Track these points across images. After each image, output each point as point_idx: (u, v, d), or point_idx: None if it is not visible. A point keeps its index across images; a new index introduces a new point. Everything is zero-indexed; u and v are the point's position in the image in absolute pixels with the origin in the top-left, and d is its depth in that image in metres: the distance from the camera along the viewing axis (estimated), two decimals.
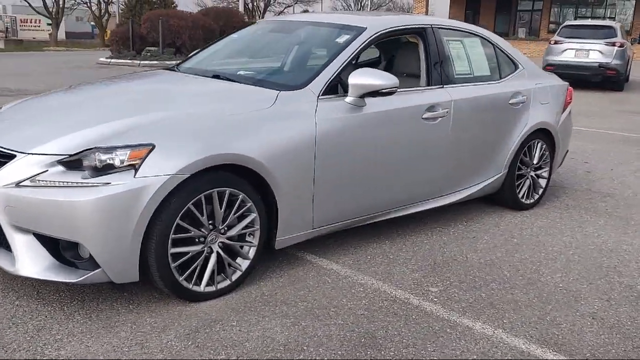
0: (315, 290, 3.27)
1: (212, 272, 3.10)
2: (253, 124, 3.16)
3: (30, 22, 42.41)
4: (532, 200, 5.01)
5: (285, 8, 54.50)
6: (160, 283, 2.94)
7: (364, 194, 3.70)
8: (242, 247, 3.21)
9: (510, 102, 4.59)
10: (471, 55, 4.47)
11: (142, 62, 19.31)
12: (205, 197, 2.96)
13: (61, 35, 41.53)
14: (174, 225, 2.87)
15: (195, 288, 3.05)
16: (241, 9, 33.91)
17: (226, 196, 3.03)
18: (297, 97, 3.38)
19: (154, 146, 2.83)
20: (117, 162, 2.77)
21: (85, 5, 38.86)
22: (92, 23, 42.44)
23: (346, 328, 2.88)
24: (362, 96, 3.52)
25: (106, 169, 2.78)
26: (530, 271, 3.68)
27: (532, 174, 4.98)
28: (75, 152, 2.81)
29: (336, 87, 3.54)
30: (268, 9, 53.64)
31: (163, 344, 2.67)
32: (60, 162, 2.80)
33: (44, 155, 2.83)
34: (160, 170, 2.78)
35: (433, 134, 3.99)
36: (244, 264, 3.22)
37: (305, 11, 46.72)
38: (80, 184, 2.74)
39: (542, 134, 4.93)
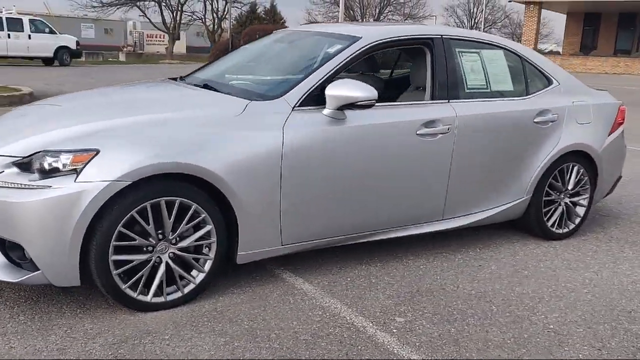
0: (271, 310, 3.11)
1: (161, 283, 3.03)
2: (214, 134, 3.08)
3: (156, 37, 45.50)
4: (565, 230, 4.52)
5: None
6: (103, 289, 2.92)
7: (344, 213, 3.49)
8: (198, 259, 3.12)
9: (535, 120, 4.18)
10: (490, 68, 4.13)
11: None
12: (153, 206, 2.91)
13: (182, 49, 44.21)
14: (116, 232, 2.83)
15: (142, 297, 3.00)
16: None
17: (176, 206, 2.96)
18: (267, 108, 3.26)
19: (98, 151, 2.82)
20: (60, 166, 2.80)
21: (200, 21, 40.94)
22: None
23: (278, 353, 2.70)
24: (340, 108, 3.33)
25: (52, 172, 2.80)
26: (523, 308, 3.29)
27: (567, 200, 4.50)
28: (27, 155, 2.87)
29: (318, 98, 3.38)
30: None
31: (84, 351, 2.63)
32: (14, 164, 2.87)
33: (2, 156, 2.91)
34: (100, 176, 2.76)
35: (431, 152, 3.71)
36: (198, 276, 3.14)
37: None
38: (26, 186, 2.78)
39: (580, 156, 4.44)
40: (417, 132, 3.63)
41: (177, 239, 3.03)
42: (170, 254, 3.04)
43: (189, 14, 40.44)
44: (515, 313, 3.22)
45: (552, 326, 3.11)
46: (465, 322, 3.09)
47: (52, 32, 25.83)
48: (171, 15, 37.67)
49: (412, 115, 3.66)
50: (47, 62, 25.76)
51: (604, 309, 3.34)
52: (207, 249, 3.13)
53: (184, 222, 3.01)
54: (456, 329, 3.02)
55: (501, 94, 4.13)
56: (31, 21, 25.41)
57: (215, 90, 3.64)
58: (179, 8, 37.43)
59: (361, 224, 3.59)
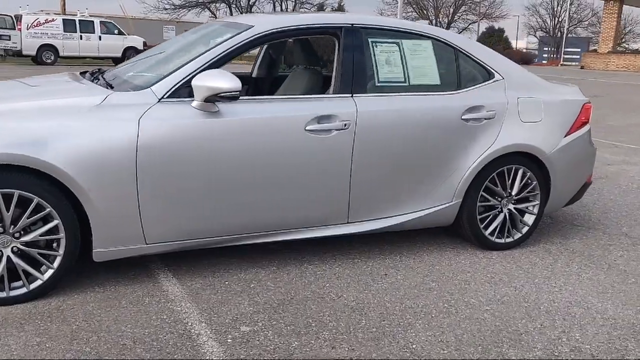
0: (115, 311, 2.96)
1: (2, 277, 2.95)
2: (62, 125, 2.96)
3: None
4: (509, 239, 4.09)
5: (469, 24, 52.95)
6: None
7: (220, 213, 3.28)
8: (48, 255, 3.02)
9: (464, 117, 3.79)
10: (412, 60, 3.78)
11: None
12: None
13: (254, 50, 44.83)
14: None
15: None
16: None
17: (14, 198, 2.86)
18: (128, 99, 3.11)
19: None
20: None
21: None
22: None
23: (83, 356, 2.54)
24: (208, 100, 3.13)
25: None
26: (397, 324, 2.97)
27: (511, 207, 4.06)
28: None
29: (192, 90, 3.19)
30: (452, 24, 52.57)
31: None
32: None
33: None
34: None
35: (324, 149, 3.43)
36: (47, 273, 3.03)
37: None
38: None
39: (526, 159, 4.00)
40: (307, 128, 3.36)
41: (21, 232, 2.93)
42: (14, 248, 2.94)
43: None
44: (383, 329, 2.91)
45: (414, 346, 2.77)
46: (316, 335, 2.81)
47: (120, 33, 26.90)
48: None
49: (302, 109, 3.39)
50: (116, 62, 26.82)
51: (492, 330, 2.95)
52: (56, 244, 3.01)
53: (24, 216, 2.90)
54: (300, 342, 2.74)
55: (423, 89, 3.78)
56: (102, 23, 26.55)
57: (107, 83, 3.50)
58: (248, 9, 38.06)
59: (242, 224, 3.36)
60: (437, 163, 3.76)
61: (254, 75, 4.90)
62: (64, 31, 25.22)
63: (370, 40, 3.68)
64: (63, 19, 25.43)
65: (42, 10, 30.85)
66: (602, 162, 7.20)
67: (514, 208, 4.08)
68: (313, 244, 3.90)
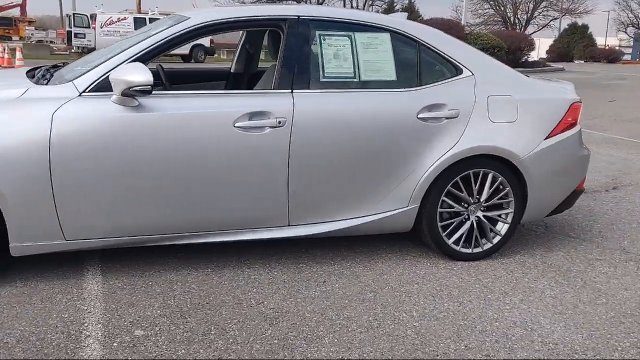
0: (18, 307, 2.93)
1: None
2: None
3: None
4: (478, 250, 3.77)
5: (550, 21, 50.73)
6: None
7: (140, 210, 3.18)
8: None
9: (420, 116, 3.51)
10: (365, 55, 3.54)
11: None
12: None
13: None
14: None
15: None
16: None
17: None
18: (46, 93, 3.07)
19: None
20: None
21: None
22: None
23: None
24: (125, 94, 3.03)
25: None
26: (303, 336, 2.77)
27: (480, 214, 3.74)
28: None
29: None
30: (531, 21, 50.58)
31: None
32: None
33: None
34: None
35: (256, 147, 3.26)
36: None
37: None
38: None
39: (497, 162, 3.67)
40: (236, 125, 3.21)
41: None
42: None
43: None
44: (286, 341, 2.71)
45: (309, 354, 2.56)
46: (209, 344, 2.66)
47: None
48: None
49: (232, 105, 3.24)
50: (184, 59, 27.55)
51: (407, 349, 2.70)
52: None
53: None
54: (187, 351, 2.60)
55: (375, 85, 3.53)
56: None
57: (46, 77, 3.48)
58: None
59: (169, 223, 3.24)
60: (389, 164, 3.50)
61: (232, 70, 4.78)
62: (135, 29, 26.13)
63: (318, 33, 3.47)
64: (134, 17, 26.37)
65: (126, 10, 32.08)
66: (636, 168, 6.62)
67: (483, 216, 3.75)
68: (267, 247, 3.73)
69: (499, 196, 3.74)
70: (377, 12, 39.62)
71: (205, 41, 27.78)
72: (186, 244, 3.33)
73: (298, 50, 3.40)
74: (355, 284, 3.36)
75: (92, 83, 3.09)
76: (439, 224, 3.67)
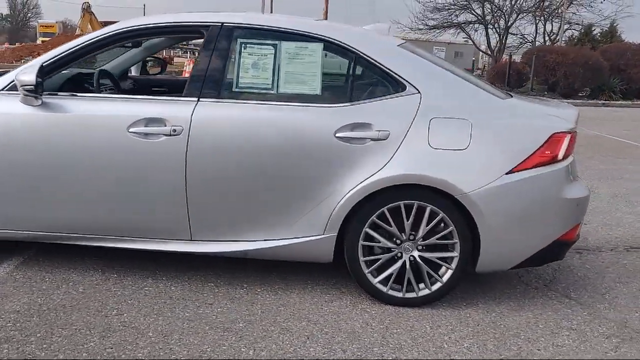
0: None
1: None
2: None
3: None
4: (411, 295, 3.26)
5: None
6: None
7: (46, 208, 3.27)
8: None
9: (338, 135, 3.15)
10: (289, 65, 3.26)
11: None
12: None
13: None
14: None
15: None
16: None
17: None
18: None
19: None
20: None
21: (530, 44, 39.05)
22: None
23: None
24: (25, 93, 3.15)
25: None
26: (112, 350, 2.61)
27: (415, 254, 3.23)
28: None
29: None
30: None
31: None
32: None
33: None
34: None
35: (151, 155, 3.17)
36: None
37: None
38: None
39: (438, 195, 3.15)
40: (130, 130, 3.16)
41: None
42: None
43: (519, 36, 39.01)
44: (101, 356, 2.58)
45: None
46: (30, 344, 2.62)
47: None
48: (497, 38, 36.94)
49: (128, 110, 3.19)
50: None
51: None
52: None
53: None
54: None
55: (293, 98, 3.23)
56: None
57: None
58: (506, 31, 36.46)
59: (74, 224, 3.28)
60: (301, 186, 3.17)
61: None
62: None
63: (240, 41, 3.28)
64: None
65: None
66: None
67: (420, 256, 3.22)
68: (188, 260, 3.60)
69: (438, 236, 3.18)
70: (571, 35, 36.78)
71: None
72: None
73: (213, 58, 3.25)
74: (241, 311, 3.08)
75: (10, 82, 3.25)
76: (362, 259, 3.23)
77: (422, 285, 3.24)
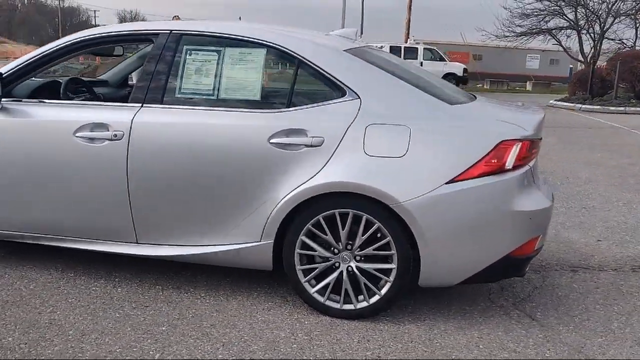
0: None
1: None
2: None
3: None
4: (349, 306, 3.16)
5: None
6: None
7: (4, 206, 3.47)
8: None
9: (273, 141, 3.12)
10: (231, 71, 3.27)
11: (582, 106, 17.68)
12: None
13: None
14: None
15: None
16: None
17: None
18: None
19: None
20: None
21: (629, 49, 36.69)
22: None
23: None
24: None
25: None
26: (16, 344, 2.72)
27: (352, 264, 3.14)
28: None
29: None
30: None
31: None
32: None
33: None
34: None
35: (95, 159, 3.28)
36: None
37: None
38: None
39: (374, 204, 3.05)
40: (76, 135, 3.29)
41: None
42: None
43: (617, 42, 36.74)
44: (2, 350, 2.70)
45: None
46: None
47: (442, 59, 27.62)
48: (591, 44, 35.01)
49: (76, 116, 3.33)
50: None
51: None
52: None
53: None
54: None
55: (235, 104, 3.23)
56: (426, 49, 27.73)
57: None
58: (601, 36, 34.51)
59: (17, 221, 3.46)
60: (238, 192, 3.16)
61: None
62: None
63: (186, 47, 3.34)
64: (390, 46, 27.35)
65: (412, 39, 33.50)
66: None
67: (358, 267, 3.12)
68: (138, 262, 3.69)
69: (375, 246, 3.07)
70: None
71: (459, 70, 27.47)
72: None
73: (159, 65, 3.31)
74: (172, 314, 3.12)
75: None
76: (298, 267, 3.17)
77: (361, 297, 3.13)
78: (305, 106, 3.15)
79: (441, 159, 2.99)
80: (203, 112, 3.21)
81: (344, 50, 3.30)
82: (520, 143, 3.01)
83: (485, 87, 32.75)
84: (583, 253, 4.42)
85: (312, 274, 3.16)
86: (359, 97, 3.11)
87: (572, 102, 18.39)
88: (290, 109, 3.15)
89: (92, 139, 3.25)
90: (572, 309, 3.41)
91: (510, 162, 2.98)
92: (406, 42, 32.46)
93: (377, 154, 3.01)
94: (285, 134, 3.08)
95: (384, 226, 3.00)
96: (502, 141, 2.98)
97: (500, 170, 2.98)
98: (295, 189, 3.05)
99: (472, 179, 2.96)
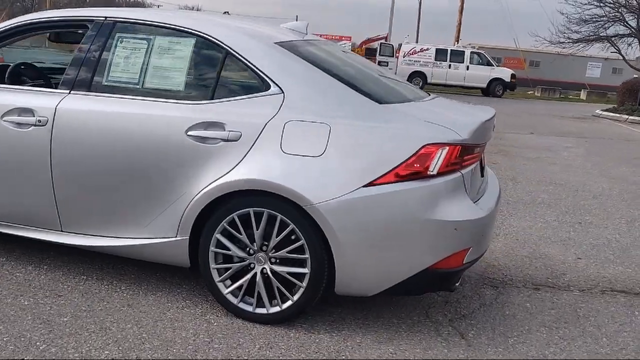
0: None
1: None
2: None
3: None
4: (261, 310, 3.02)
5: None
6: None
7: None
8: None
9: (190, 133, 3.01)
10: (158, 60, 3.18)
11: (630, 117, 16.88)
12: None
13: None
14: None
15: None
16: None
17: None
18: None
19: None
20: None
21: None
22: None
23: None
24: None
25: None
26: None
27: (267, 266, 3.00)
28: None
29: None
30: None
31: None
32: None
33: None
34: None
35: (20, 143, 3.25)
36: None
37: None
38: None
39: (288, 205, 2.90)
40: (4, 119, 3.26)
41: None
42: None
43: None
44: None
45: None
46: None
47: (489, 64, 26.91)
48: None
49: (6, 99, 3.31)
50: (483, 92, 26.91)
51: None
52: None
53: None
54: None
55: (158, 94, 3.14)
56: (473, 53, 27.07)
57: None
58: None
59: None
60: (155, 184, 3.06)
61: None
62: (435, 60, 26.67)
63: (118, 35, 3.27)
64: (436, 49, 26.87)
65: (466, 43, 32.86)
66: None
67: (271, 270, 2.98)
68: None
69: (289, 249, 2.92)
70: None
71: (506, 75, 26.71)
72: None
73: (90, 52, 3.25)
74: (80, 306, 3.05)
75: None
76: (212, 266, 3.05)
77: (275, 302, 2.98)
78: (226, 99, 3.03)
79: (360, 160, 2.81)
80: (127, 102, 3.12)
81: (275, 43, 3.15)
82: (447, 147, 2.79)
83: (536, 94, 31.73)
84: (555, 270, 4.13)
85: (226, 273, 3.03)
86: (283, 92, 2.96)
87: (619, 113, 17.57)
88: (213, 101, 3.03)
89: (19, 124, 3.21)
90: (512, 329, 3.16)
91: (434, 167, 2.78)
92: (454, 45, 31.79)
93: (293, 152, 2.85)
94: (204, 127, 2.96)
95: (298, 228, 2.85)
96: (426, 145, 2.77)
97: (423, 175, 2.77)
98: (209, 184, 2.94)
99: (390, 183, 2.77)
